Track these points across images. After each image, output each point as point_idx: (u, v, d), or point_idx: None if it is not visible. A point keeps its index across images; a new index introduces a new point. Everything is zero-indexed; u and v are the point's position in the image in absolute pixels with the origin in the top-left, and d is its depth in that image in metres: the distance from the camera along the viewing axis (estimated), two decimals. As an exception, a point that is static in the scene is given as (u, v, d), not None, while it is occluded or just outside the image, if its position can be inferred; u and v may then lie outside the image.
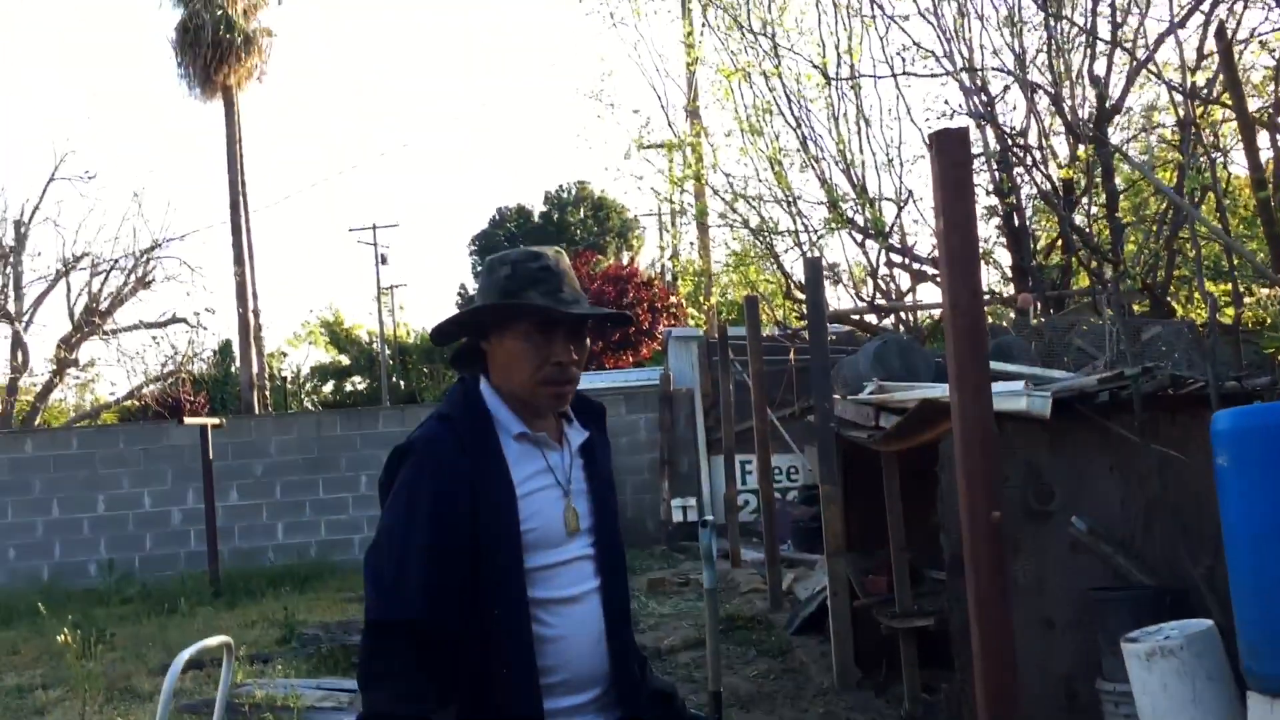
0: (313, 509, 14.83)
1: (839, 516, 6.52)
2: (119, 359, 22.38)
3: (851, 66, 10.84)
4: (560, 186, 41.29)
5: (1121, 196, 9.96)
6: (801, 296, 11.29)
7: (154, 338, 21.69)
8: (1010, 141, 9.86)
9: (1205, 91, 8.35)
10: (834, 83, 10.90)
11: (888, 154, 11.02)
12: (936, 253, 9.77)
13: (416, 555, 1.98)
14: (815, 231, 11.87)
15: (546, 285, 2.10)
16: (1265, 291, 8.98)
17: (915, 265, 11.28)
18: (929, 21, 9.91)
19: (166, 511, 14.59)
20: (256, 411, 24.59)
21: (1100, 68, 9.40)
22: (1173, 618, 4.14)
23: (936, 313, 11.38)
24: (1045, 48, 9.65)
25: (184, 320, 21.54)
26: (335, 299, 73.78)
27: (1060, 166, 9.79)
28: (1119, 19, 9.16)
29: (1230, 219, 8.87)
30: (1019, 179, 10.04)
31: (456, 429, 2.08)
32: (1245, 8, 8.21)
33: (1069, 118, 9.45)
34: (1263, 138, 7.20)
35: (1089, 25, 9.24)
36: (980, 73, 9.84)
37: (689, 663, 7.65)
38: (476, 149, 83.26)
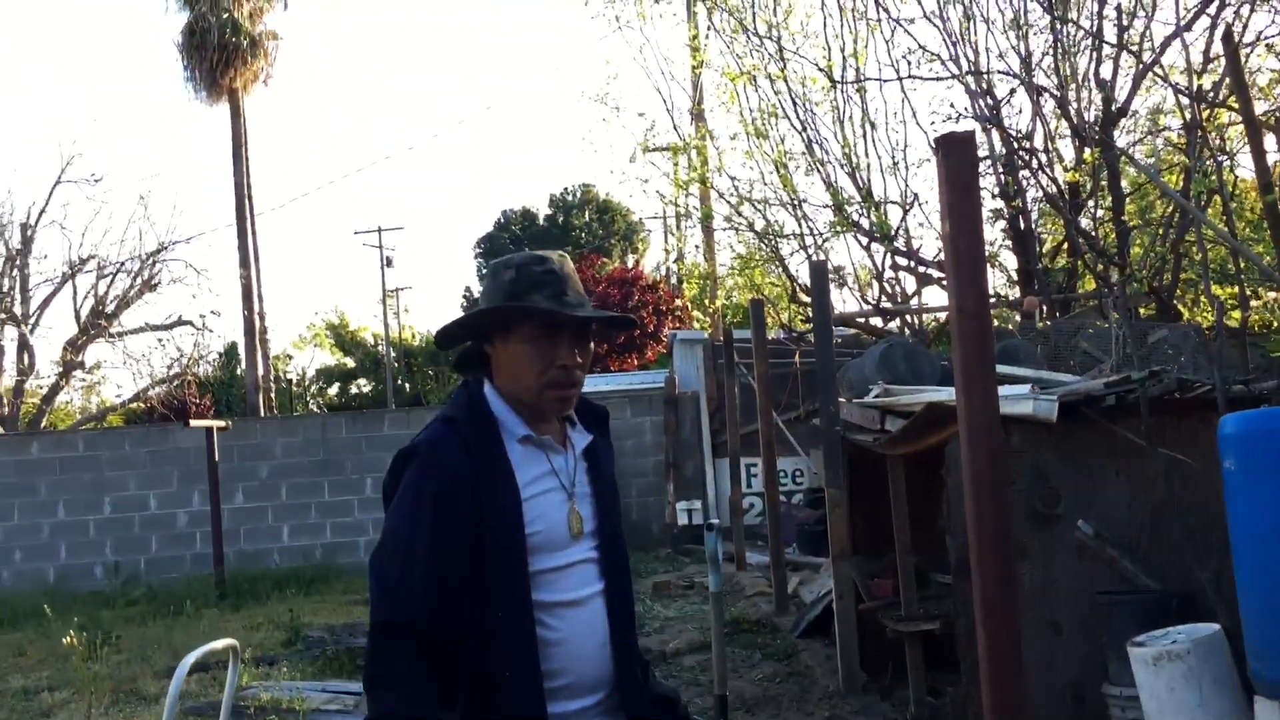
0: (318, 511, 14.84)
1: (844, 520, 6.51)
2: (125, 361, 22.39)
3: (857, 70, 10.85)
4: (565, 189, 41.38)
5: (1128, 200, 9.95)
6: (807, 299, 11.29)
7: (160, 340, 21.75)
8: (1016, 145, 9.85)
9: (1211, 95, 8.34)
10: (839, 86, 10.91)
11: (893, 157, 11.03)
12: (942, 256, 9.77)
13: (421, 557, 1.98)
14: (820, 234, 11.88)
15: (551, 288, 2.10)
16: (1272, 295, 8.96)
17: (921, 268, 11.27)
18: (935, 25, 9.92)
19: (172, 514, 14.60)
20: (262, 414, 24.63)
21: (1106, 71, 9.40)
22: (1179, 621, 4.13)
23: (942, 316, 11.36)
24: (1051, 51, 9.65)
25: (190, 323, 21.60)
26: (340, 302, 73.94)
27: (1066, 170, 9.78)
28: (1125, 22, 9.15)
29: (1237, 222, 8.86)
30: (1025, 182, 10.04)
31: (461, 432, 2.08)
32: (1252, 11, 8.21)
33: (1075, 121, 9.44)
34: (1269, 141, 7.19)
35: (1095, 28, 9.23)
36: (986, 76, 9.84)
37: (694, 666, 7.64)
38: (481, 152, 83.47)
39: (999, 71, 9.87)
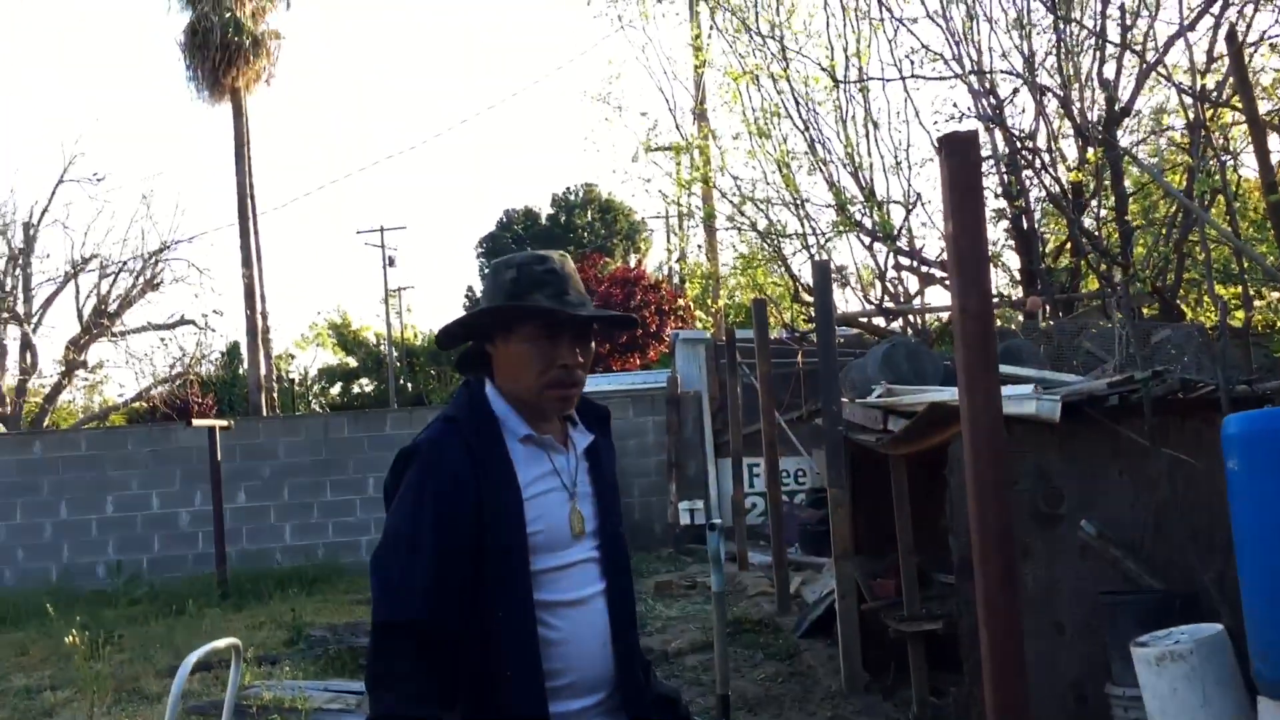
0: (320, 511, 14.85)
1: (847, 520, 6.50)
2: (127, 361, 22.42)
3: (860, 69, 10.84)
4: (568, 189, 41.39)
5: (1131, 200, 9.93)
6: (809, 299, 11.28)
7: (162, 339, 21.78)
8: (1019, 144, 9.84)
9: (1215, 94, 8.32)
10: (842, 85, 10.89)
11: (896, 157, 11.02)
12: (945, 256, 9.76)
13: (423, 557, 1.98)
14: (823, 234, 11.87)
15: (552, 288, 2.10)
16: (1275, 295, 8.95)
17: (923, 268, 11.26)
18: (938, 24, 9.91)
19: (174, 513, 14.61)
20: (264, 413, 24.65)
21: (1109, 70, 9.39)
22: (1182, 622, 4.12)
23: (944, 316, 11.35)
24: (1054, 50, 9.63)
25: (192, 322, 21.62)
26: (343, 301, 74.01)
27: (1069, 169, 9.77)
28: (1128, 21, 9.13)
29: (1240, 222, 8.85)
30: (1028, 182, 10.03)
31: (462, 431, 2.07)
32: (1256, 10, 8.19)
33: (1078, 120, 9.43)
34: (1273, 140, 7.18)
35: (1098, 28, 9.22)
36: (989, 75, 9.83)
37: (696, 666, 7.64)
38: (484, 151, 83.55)
39: (1002, 71, 9.86)
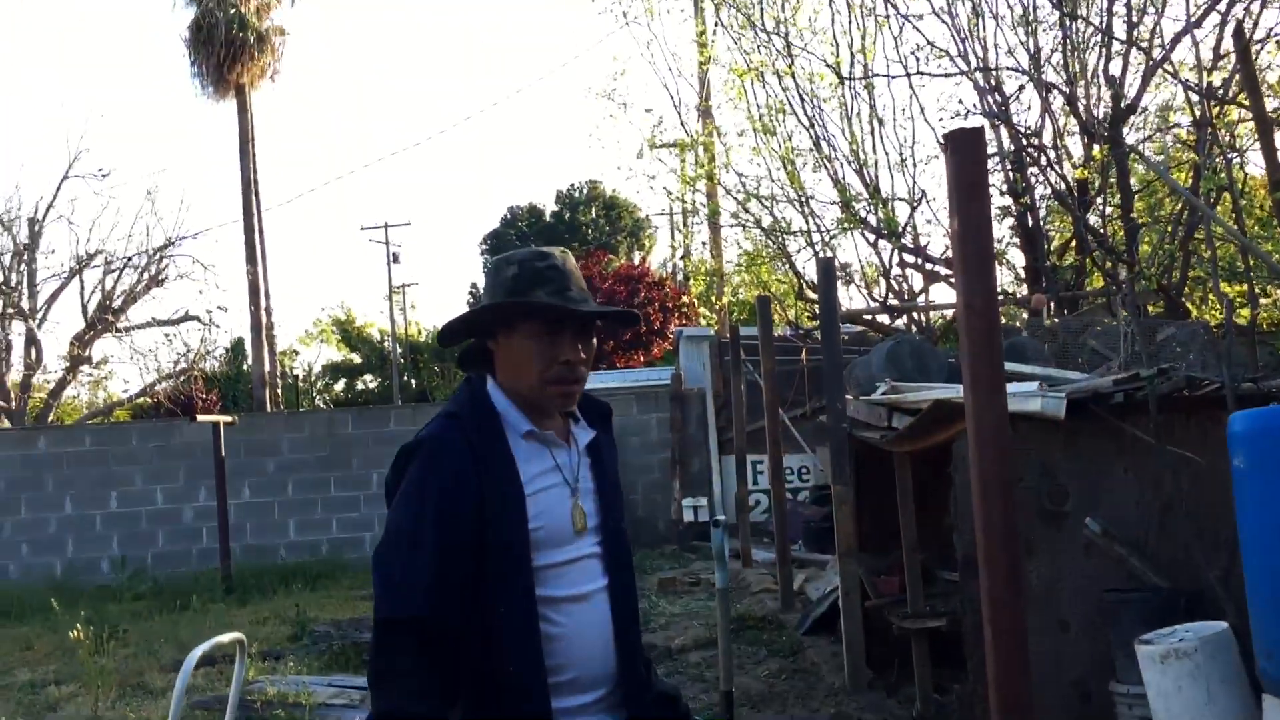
0: (324, 507, 14.86)
1: (851, 517, 6.50)
2: (132, 356, 22.45)
3: (865, 66, 10.82)
4: (572, 186, 41.35)
5: (1136, 197, 9.91)
6: (814, 296, 11.27)
7: (167, 335, 21.77)
8: (1025, 141, 9.82)
9: (1221, 91, 8.30)
10: (847, 82, 10.88)
11: (901, 154, 11.01)
12: (949, 253, 9.74)
13: (425, 553, 1.98)
14: (828, 231, 11.86)
15: (554, 284, 2.10)
16: (1281, 292, 8.92)
17: (928, 265, 11.25)
18: (943, 21, 9.89)
19: (179, 508, 14.63)
20: (268, 409, 24.66)
21: (1116, 67, 9.36)
22: (1187, 620, 4.11)
23: (949, 313, 11.34)
24: (1060, 47, 9.62)
25: (196, 318, 21.61)
26: (347, 297, 74.08)
27: (1075, 167, 9.74)
28: (1135, 18, 9.12)
29: (1246, 220, 8.82)
30: (1033, 179, 10.01)
31: (464, 427, 2.07)
32: (1263, 7, 8.18)
33: (1084, 117, 9.41)
34: (1279, 138, 7.14)
35: (1104, 25, 9.20)
36: (995, 72, 9.81)
37: (700, 662, 7.64)
38: (488, 148, 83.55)
39: (1008, 68, 9.85)
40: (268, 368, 26.42)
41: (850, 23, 10.87)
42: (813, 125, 11.28)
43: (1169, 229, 9.60)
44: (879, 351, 7.16)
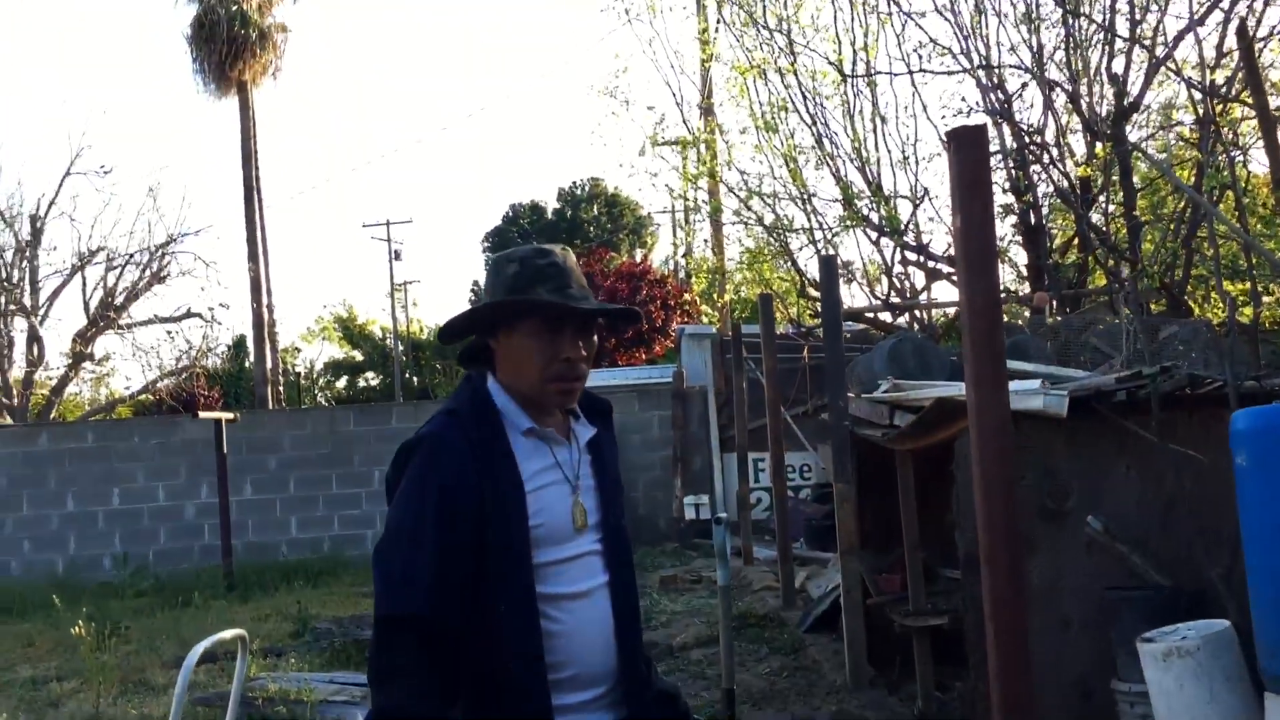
0: (326, 504, 14.87)
1: (853, 515, 6.49)
2: (134, 353, 22.48)
3: (868, 63, 10.82)
4: (574, 183, 41.29)
5: (1139, 195, 9.90)
6: (816, 294, 11.27)
7: (169, 332, 21.77)
8: (1027, 139, 9.81)
9: (1225, 89, 8.29)
10: (850, 80, 10.88)
11: (903, 151, 11.02)
12: (952, 251, 9.73)
13: (425, 550, 1.98)
14: (830, 229, 11.86)
15: (554, 282, 2.10)
16: (1284, 291, 8.91)
17: (930, 263, 11.25)
18: (946, 18, 9.89)
19: (180, 505, 14.64)
20: (270, 407, 24.67)
21: (1119, 65, 9.36)
22: (1189, 618, 4.10)
23: (951, 311, 11.33)
24: (1063, 45, 9.60)
25: (198, 315, 21.61)
26: (349, 295, 73.94)
27: (1078, 164, 9.74)
28: (1138, 16, 9.10)
29: (1249, 218, 8.81)
30: (1036, 177, 10.00)
31: (464, 425, 2.07)
32: (1266, 5, 8.17)
33: (1087, 115, 9.40)
34: (1283, 135, 7.12)
35: (1107, 22, 9.19)
36: (997, 70, 9.80)
37: (701, 660, 7.64)
38: (490, 145, 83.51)
39: (1010, 65, 9.85)
40: (269, 365, 26.43)
41: (853, 20, 10.89)
42: (815, 123, 11.29)
43: (1171, 227, 9.59)
44: (881, 349, 7.16)
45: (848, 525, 6.48)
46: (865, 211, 11.02)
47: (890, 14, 10.47)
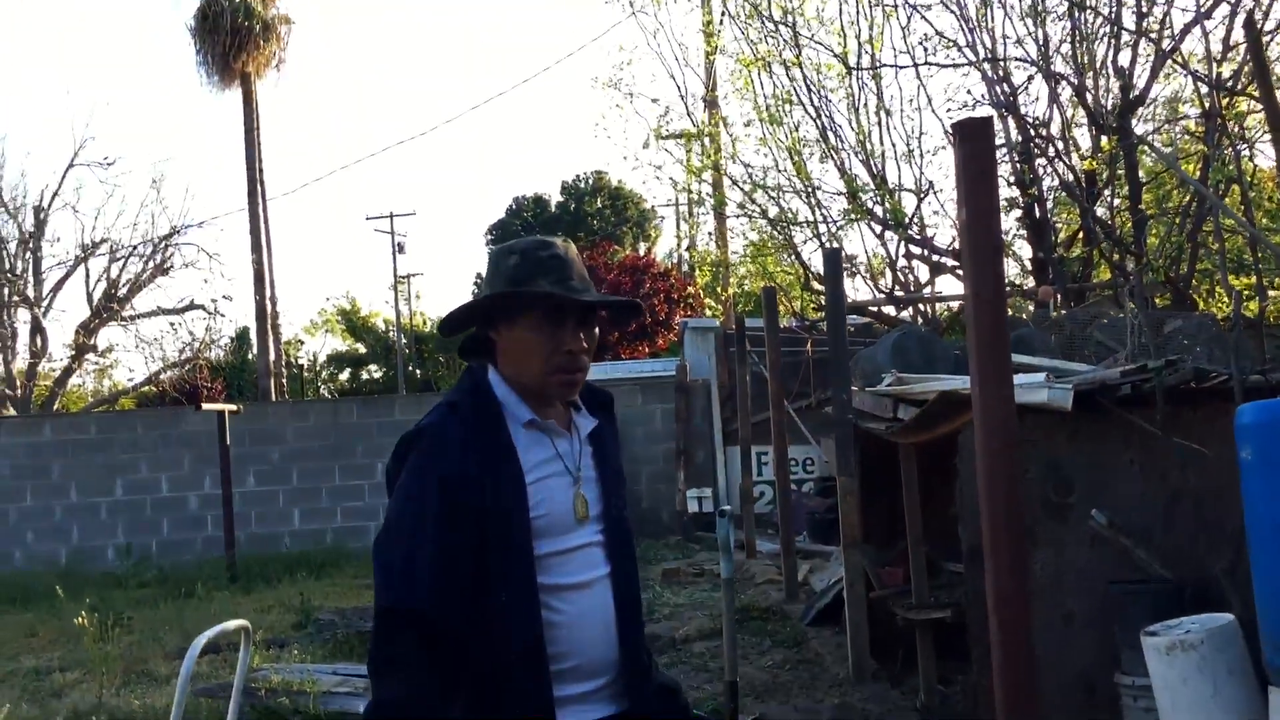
0: (329, 496, 14.89)
1: (856, 508, 6.48)
2: (137, 345, 22.49)
3: (872, 56, 10.79)
4: (577, 176, 41.23)
5: (1144, 189, 9.87)
6: (819, 288, 11.25)
7: (172, 324, 21.83)
8: (1032, 132, 9.78)
9: (1231, 83, 8.25)
10: (855, 73, 10.84)
11: (908, 145, 10.98)
12: (956, 244, 9.71)
13: (425, 543, 1.97)
14: (834, 222, 11.82)
15: (556, 273, 2.09)
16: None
17: (934, 257, 11.22)
18: (951, 10, 9.84)
19: (184, 497, 14.67)
20: (273, 399, 24.69)
21: (1124, 58, 9.32)
22: (1193, 611, 4.10)
23: (955, 305, 11.31)
24: (1069, 38, 9.56)
25: (202, 307, 21.66)
26: (352, 287, 74.06)
27: (1083, 158, 9.71)
28: (1144, 9, 9.06)
29: (1255, 212, 8.78)
30: (1041, 170, 9.97)
31: (465, 417, 2.07)
32: (1274, -2, 8.11)
33: (1092, 109, 9.36)
34: (1289, 129, 7.10)
35: (1113, 15, 9.14)
36: (1003, 63, 9.76)
37: (704, 652, 7.64)
38: (494, 138, 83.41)
39: (1016, 58, 9.79)
40: (272, 357, 26.44)
41: (858, 13, 10.84)
42: (819, 116, 11.25)
43: (1177, 221, 9.55)
44: (885, 343, 7.15)
45: (851, 519, 6.47)
46: (870, 205, 10.99)
47: (896, 6, 10.43)
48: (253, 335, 27.72)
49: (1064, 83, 9.59)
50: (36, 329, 20.61)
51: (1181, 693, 3.87)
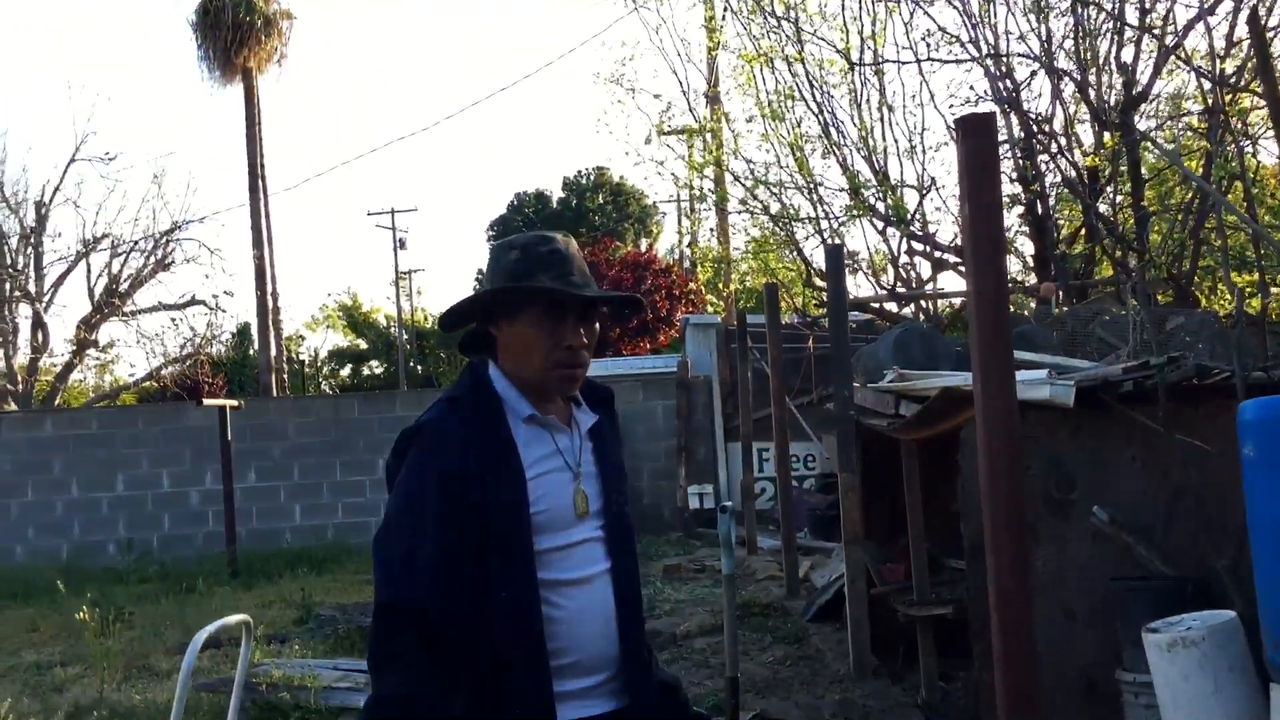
0: (330, 491, 14.89)
1: (857, 504, 6.48)
2: (138, 340, 22.51)
3: (875, 52, 10.76)
4: (579, 172, 41.19)
5: (1147, 185, 9.85)
6: (821, 284, 11.24)
7: (173, 319, 21.78)
8: (1035, 128, 9.77)
9: (1234, 79, 8.24)
10: (857, 68, 10.83)
11: (910, 141, 10.96)
12: (958, 241, 9.70)
13: (424, 538, 1.97)
14: (836, 218, 11.81)
15: (556, 269, 2.08)
16: (1292, 282, 8.86)
17: (936, 253, 11.21)
18: (954, 6, 9.85)
19: (185, 492, 14.67)
20: (274, 394, 24.69)
21: (1127, 54, 9.30)
22: (1195, 608, 4.09)
23: (957, 301, 11.31)
24: (1072, 33, 9.55)
25: (203, 302, 21.62)
26: (353, 283, 74.21)
27: (1085, 154, 9.69)
28: (1147, 4, 9.05)
29: (1258, 208, 8.77)
30: (1043, 166, 9.95)
31: (465, 412, 2.06)
32: (1277, -6, 8.10)
33: (1095, 105, 9.35)
34: (1293, 126, 7.08)
35: (1117, 11, 9.13)
36: (1005, 59, 9.75)
37: (705, 648, 7.64)
38: (495, 134, 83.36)
39: (1019, 54, 9.79)
40: (274, 352, 26.45)
41: (860, 8, 10.82)
42: (822, 112, 11.23)
43: (1179, 217, 9.54)
44: (887, 339, 7.14)
45: (852, 515, 6.46)
46: (872, 201, 10.98)
47: (898, 2, 10.42)
48: (254, 331, 27.75)
49: (1067, 79, 9.58)
50: (38, 324, 20.60)
51: (1183, 690, 3.86)
